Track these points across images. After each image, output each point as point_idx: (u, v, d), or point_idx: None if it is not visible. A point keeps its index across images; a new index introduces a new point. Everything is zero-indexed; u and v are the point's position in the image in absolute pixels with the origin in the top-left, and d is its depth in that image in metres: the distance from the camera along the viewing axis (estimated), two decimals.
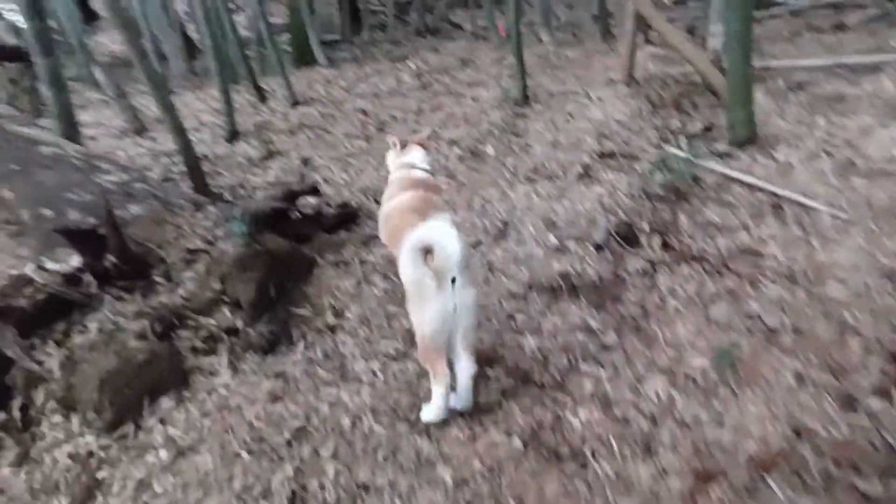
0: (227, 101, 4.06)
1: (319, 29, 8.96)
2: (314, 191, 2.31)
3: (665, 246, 2.00)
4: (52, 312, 1.66)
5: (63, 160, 2.58)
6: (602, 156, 2.67)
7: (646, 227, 2.09)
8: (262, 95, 5.16)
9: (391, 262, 2.08)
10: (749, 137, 2.63)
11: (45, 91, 3.16)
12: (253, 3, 7.15)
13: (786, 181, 2.31)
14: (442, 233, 1.33)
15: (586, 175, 2.51)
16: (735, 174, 2.42)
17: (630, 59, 3.66)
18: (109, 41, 11.15)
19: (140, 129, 4.63)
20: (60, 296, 1.69)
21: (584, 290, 1.81)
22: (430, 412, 1.39)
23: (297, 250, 1.97)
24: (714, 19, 4.81)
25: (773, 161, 2.48)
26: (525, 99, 3.70)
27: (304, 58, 6.86)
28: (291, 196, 2.18)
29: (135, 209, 2.24)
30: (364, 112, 4.40)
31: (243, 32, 9.45)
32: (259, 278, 1.72)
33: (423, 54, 7.07)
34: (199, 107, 5.44)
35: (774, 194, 2.23)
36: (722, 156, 2.65)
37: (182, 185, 3.17)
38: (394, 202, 1.61)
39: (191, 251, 2.01)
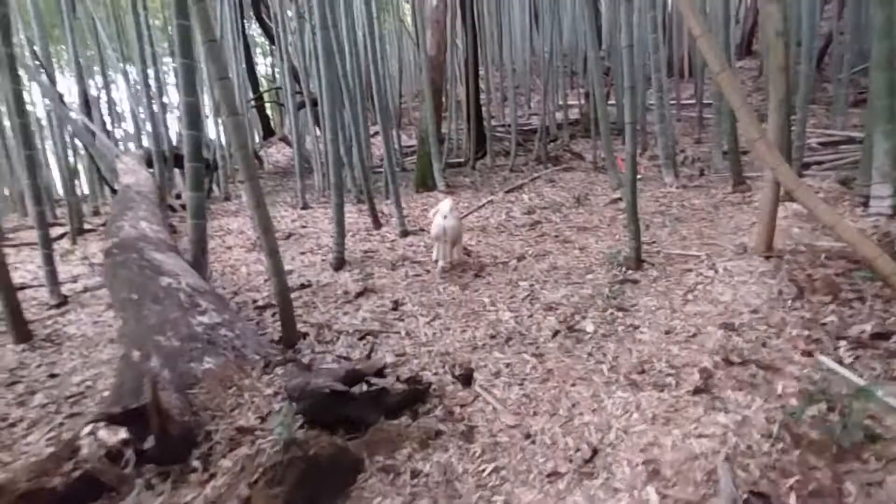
0: (340, 232, 4.20)
1: (446, 152, 9.55)
2: (380, 373, 2.08)
3: None
4: (81, 495, 1.55)
5: (173, 294, 2.72)
6: (728, 362, 2.12)
7: (792, 499, 1.49)
8: (377, 221, 5.38)
9: (448, 481, 1.72)
10: None
11: (189, 219, 3.49)
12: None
13: None
14: (442, 207, 3.60)
15: (706, 389, 1.97)
16: None
17: (770, 228, 3.12)
18: (276, 151, 13.11)
19: None
20: (95, 475, 1.58)
21: None
22: (438, 260, 3.79)
23: (342, 451, 1.70)
24: (877, 177, 4.08)
25: None
26: (638, 261, 3.28)
27: (426, 182, 7.20)
28: (355, 377, 1.97)
29: (209, 363, 2.20)
30: (466, 251, 4.29)
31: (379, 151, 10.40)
32: (287, 495, 1.47)
33: (538, 186, 7.05)
34: (325, 226, 5.82)
35: None
36: None
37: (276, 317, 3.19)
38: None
39: (240, 429, 1.85)
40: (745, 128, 2.73)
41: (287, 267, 4.38)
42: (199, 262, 3.56)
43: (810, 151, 7.36)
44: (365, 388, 2.09)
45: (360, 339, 2.88)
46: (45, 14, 7.54)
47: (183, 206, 7.72)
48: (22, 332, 3.29)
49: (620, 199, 5.35)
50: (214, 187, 9.52)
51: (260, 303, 3.55)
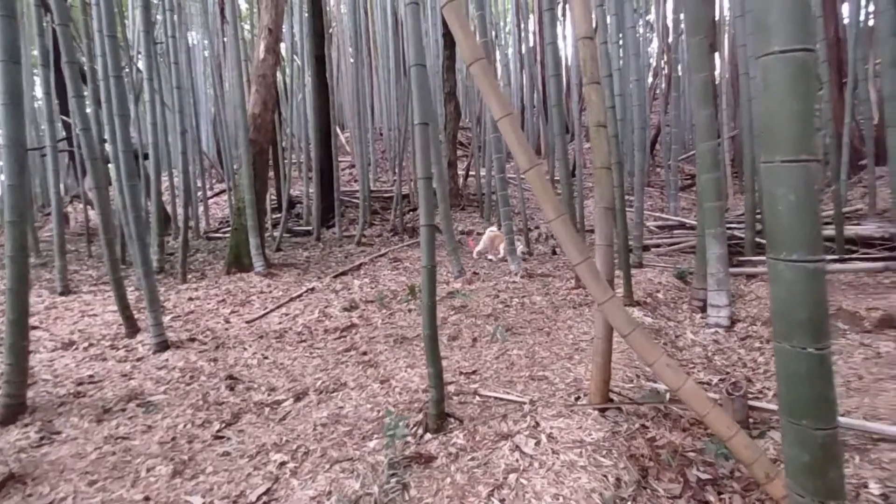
0: (17, 365, 2.69)
1: (283, 221, 8.25)
2: None
3: None
4: None
5: None
6: None
7: None
8: (132, 324, 3.87)
9: None
10: None
11: None
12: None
13: None
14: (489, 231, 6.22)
15: None
16: None
17: (604, 371, 2.35)
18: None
19: None
20: None
21: None
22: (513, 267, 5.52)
23: None
24: (712, 283, 3.71)
25: None
26: (439, 417, 2.29)
27: (241, 261, 5.82)
28: None
29: None
30: (231, 382, 3.01)
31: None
32: None
33: (379, 266, 6.06)
34: (62, 329, 4.13)
35: None
36: None
37: None
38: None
39: None
40: (545, 206, 1.92)
41: None
42: None
43: (649, 234, 7.40)
44: None
45: None
46: None
47: None
48: None
49: (455, 293, 4.52)
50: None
51: None
